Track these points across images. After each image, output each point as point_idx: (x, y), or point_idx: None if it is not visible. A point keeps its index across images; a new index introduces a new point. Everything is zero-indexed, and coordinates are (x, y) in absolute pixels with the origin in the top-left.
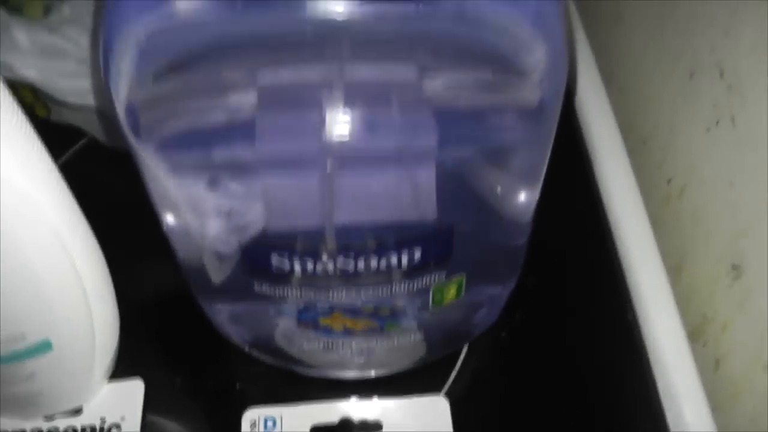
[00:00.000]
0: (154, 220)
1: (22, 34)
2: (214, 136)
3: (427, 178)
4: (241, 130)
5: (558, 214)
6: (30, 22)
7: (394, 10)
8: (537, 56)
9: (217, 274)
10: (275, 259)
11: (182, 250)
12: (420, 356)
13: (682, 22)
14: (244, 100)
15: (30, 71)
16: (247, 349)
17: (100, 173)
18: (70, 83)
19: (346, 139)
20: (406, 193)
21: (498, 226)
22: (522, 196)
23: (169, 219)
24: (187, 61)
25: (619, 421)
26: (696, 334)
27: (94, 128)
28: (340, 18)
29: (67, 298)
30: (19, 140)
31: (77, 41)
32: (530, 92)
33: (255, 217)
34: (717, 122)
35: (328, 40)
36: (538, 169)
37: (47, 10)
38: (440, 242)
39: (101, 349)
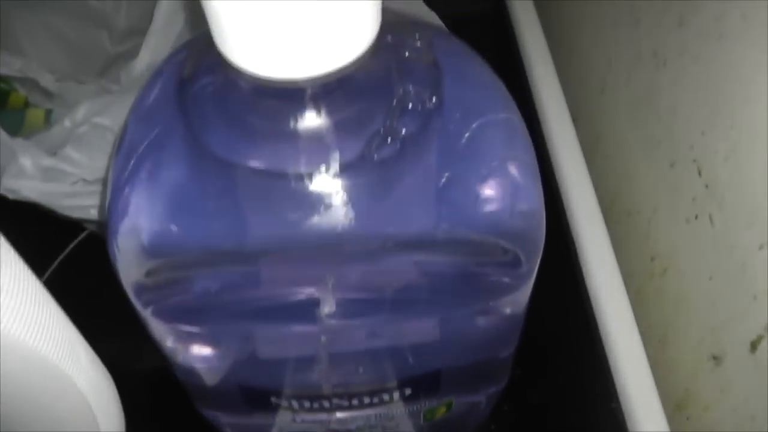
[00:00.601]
0: None
1: (27, 160)
2: (215, 306)
3: (415, 334)
4: (243, 303)
5: (542, 300)
6: (33, 143)
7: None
8: (519, 248)
9: (209, 397)
10: (273, 399)
11: (176, 372)
12: None
13: (665, 113)
14: (244, 287)
15: (34, 193)
16: None
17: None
18: (72, 202)
19: (339, 323)
20: (396, 348)
21: (485, 355)
22: (508, 326)
23: (166, 351)
24: (189, 260)
25: None
26: (680, 407)
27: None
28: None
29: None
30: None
31: (78, 162)
32: (514, 271)
33: (250, 360)
34: (696, 216)
35: (321, 246)
36: (525, 300)
37: (48, 117)
38: (428, 381)
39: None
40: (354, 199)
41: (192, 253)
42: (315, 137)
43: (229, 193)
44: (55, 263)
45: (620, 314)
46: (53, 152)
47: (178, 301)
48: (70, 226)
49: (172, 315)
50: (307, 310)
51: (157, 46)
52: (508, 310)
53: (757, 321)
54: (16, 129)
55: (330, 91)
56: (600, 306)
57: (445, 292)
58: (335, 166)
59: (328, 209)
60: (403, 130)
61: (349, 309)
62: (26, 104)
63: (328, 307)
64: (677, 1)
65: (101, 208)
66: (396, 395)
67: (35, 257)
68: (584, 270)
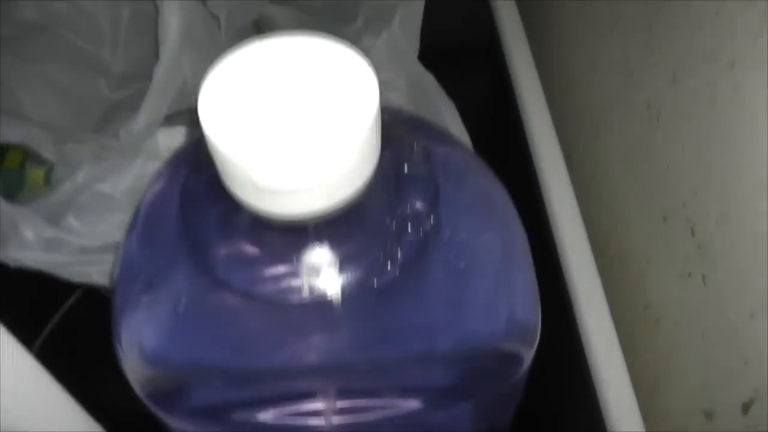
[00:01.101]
0: None
1: (29, 231)
2: (217, 418)
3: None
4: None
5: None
6: (34, 214)
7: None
8: (518, 350)
9: None
10: None
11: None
12: None
13: (658, 170)
14: (243, 402)
15: (36, 264)
16: None
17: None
18: (73, 270)
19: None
20: None
21: (487, 427)
22: (508, 400)
23: None
24: (189, 377)
25: None
26: None
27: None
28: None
29: None
30: None
31: (79, 231)
32: (514, 365)
33: None
34: (689, 274)
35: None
36: (524, 377)
37: (48, 178)
38: None
39: None
40: (354, 325)
41: (192, 371)
42: (316, 268)
43: (230, 318)
44: (56, 318)
45: (612, 359)
46: (54, 219)
47: (181, 406)
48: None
49: (174, 415)
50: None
51: (155, 104)
52: (508, 392)
53: (749, 384)
54: (16, 190)
55: (332, 223)
56: (592, 351)
57: (446, 397)
58: (335, 296)
59: (328, 336)
60: (402, 254)
61: (350, 418)
62: (24, 160)
63: (329, 420)
64: (671, 59)
65: (111, 275)
66: None
67: (33, 313)
68: (576, 313)
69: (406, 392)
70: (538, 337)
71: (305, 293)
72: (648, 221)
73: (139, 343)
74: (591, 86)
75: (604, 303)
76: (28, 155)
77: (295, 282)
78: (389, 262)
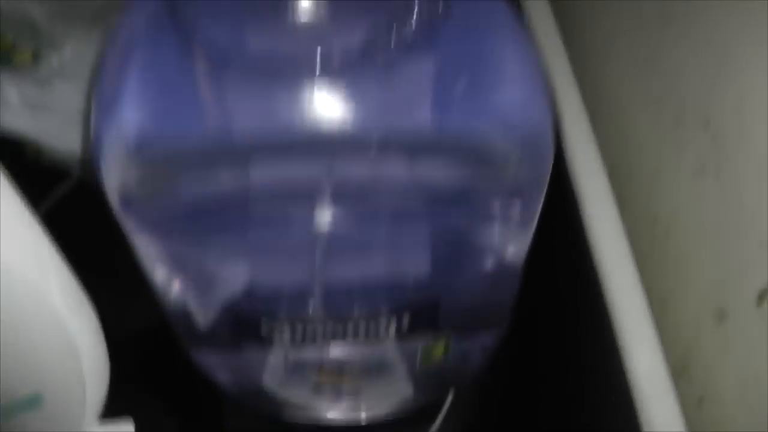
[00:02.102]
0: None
1: (12, 89)
2: (206, 216)
3: (412, 250)
4: (234, 212)
5: (543, 250)
6: (20, 75)
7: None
8: (522, 155)
9: (202, 329)
10: (264, 324)
11: (167, 305)
12: (404, 405)
13: (670, 69)
14: (236, 191)
15: (18, 125)
16: (232, 394)
17: (87, 214)
18: (58, 137)
19: (333, 232)
20: (393, 268)
21: (486, 286)
22: (512, 255)
23: (154, 277)
24: (178, 161)
25: None
26: (680, 370)
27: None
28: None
29: (56, 348)
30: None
31: (65, 96)
32: (517, 177)
33: (243, 279)
34: (702, 171)
35: (317, 146)
36: (529, 229)
37: (36, 57)
38: (427, 311)
39: (92, 397)
40: (352, 96)
41: (181, 152)
42: (314, 32)
43: (221, 90)
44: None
45: (623, 273)
46: (41, 85)
47: (168, 210)
48: (55, 174)
49: (161, 228)
50: (301, 218)
51: None
52: (508, 241)
53: (765, 271)
54: (1, 67)
55: None
56: (603, 267)
57: (444, 202)
58: (333, 63)
59: (323, 106)
60: (408, 31)
61: (344, 218)
62: (13, 47)
63: (322, 215)
64: None
65: (84, 140)
66: (393, 325)
67: None
68: (584, 220)
69: (401, 197)
70: (546, 171)
71: (300, 60)
72: (659, 127)
73: (124, 131)
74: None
75: (618, 219)
76: (16, 43)
77: (289, 46)
78: (393, 37)
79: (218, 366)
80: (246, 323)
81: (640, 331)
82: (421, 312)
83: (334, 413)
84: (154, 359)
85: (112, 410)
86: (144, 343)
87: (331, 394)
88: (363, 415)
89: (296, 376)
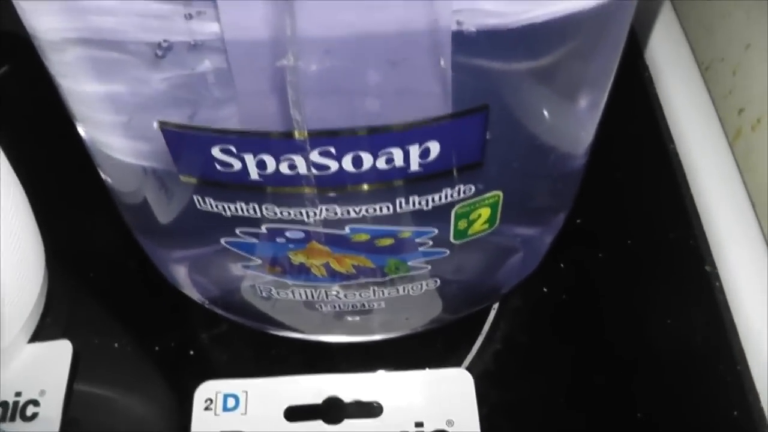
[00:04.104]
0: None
1: None
2: None
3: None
4: None
5: (614, 142)
6: None
7: None
8: None
9: (157, 203)
10: (217, 152)
11: (115, 179)
12: (434, 316)
13: None
14: None
15: None
16: (206, 304)
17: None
18: None
19: None
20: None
21: (551, 130)
22: (583, 98)
23: (91, 135)
24: None
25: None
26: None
27: None
28: None
29: None
30: None
31: None
32: None
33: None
34: None
35: None
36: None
37: None
38: (467, 134)
39: (14, 299)
40: None
41: None
42: None
43: None
44: None
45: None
46: None
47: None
48: None
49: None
50: None
51: None
52: (575, 94)
53: None
54: None
55: None
56: (682, 144)
57: None
58: None
59: None
60: None
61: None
62: None
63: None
64: None
65: None
66: (414, 156)
67: None
68: (663, 107)
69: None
70: None
71: None
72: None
73: None
74: None
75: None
76: None
77: None
78: None
79: (181, 265)
80: (193, 158)
81: (736, 240)
82: (456, 137)
83: (334, 327)
84: (103, 269)
85: (48, 333)
86: (91, 250)
87: (329, 297)
88: (372, 336)
89: (277, 265)
